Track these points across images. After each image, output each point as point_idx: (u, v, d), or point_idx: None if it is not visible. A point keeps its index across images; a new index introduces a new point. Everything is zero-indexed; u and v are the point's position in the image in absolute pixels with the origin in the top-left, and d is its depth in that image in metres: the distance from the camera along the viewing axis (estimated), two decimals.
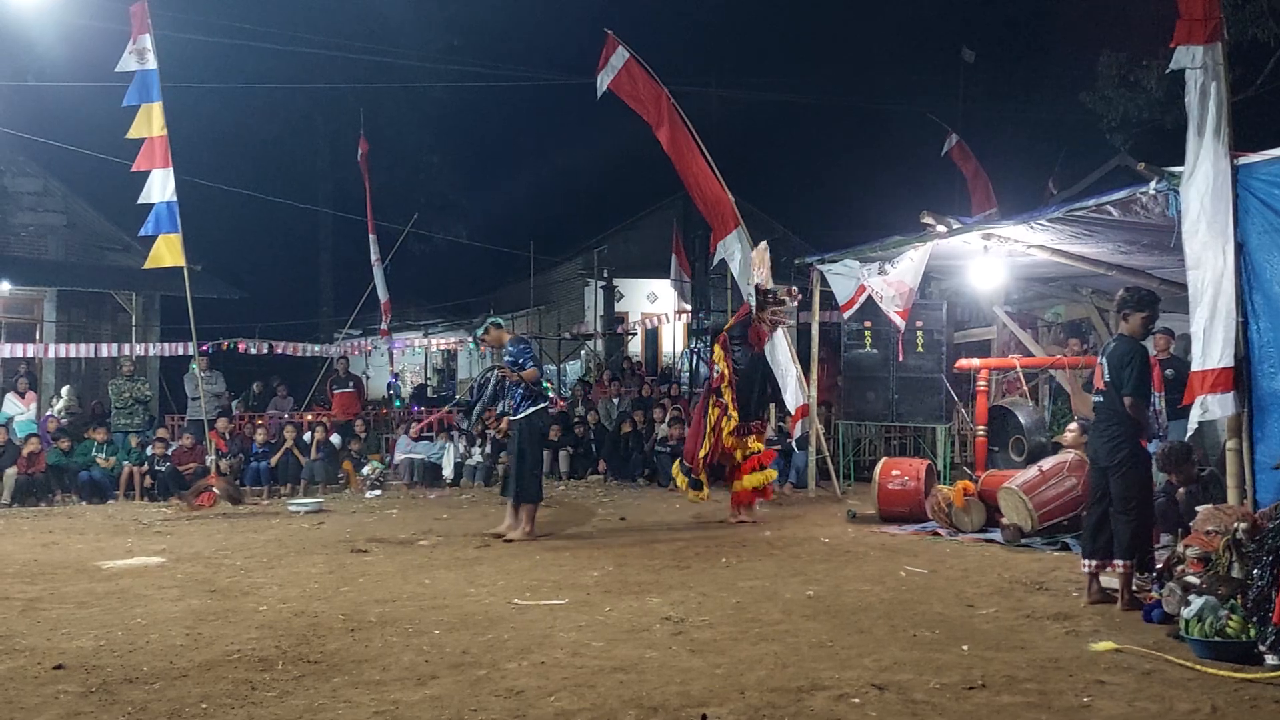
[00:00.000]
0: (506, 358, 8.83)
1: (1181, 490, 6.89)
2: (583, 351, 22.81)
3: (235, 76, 22.21)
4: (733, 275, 12.06)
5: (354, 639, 5.31)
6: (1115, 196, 7.27)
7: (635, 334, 23.67)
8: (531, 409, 8.68)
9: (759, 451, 9.64)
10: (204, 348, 14.74)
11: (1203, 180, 6.15)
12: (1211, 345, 6.16)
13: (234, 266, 24.25)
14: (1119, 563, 5.77)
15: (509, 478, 8.87)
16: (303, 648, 5.13)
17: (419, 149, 27.94)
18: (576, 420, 14.81)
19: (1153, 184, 6.76)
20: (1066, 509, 7.98)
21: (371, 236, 17.95)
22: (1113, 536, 5.82)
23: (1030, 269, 10.49)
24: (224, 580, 7.01)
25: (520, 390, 8.65)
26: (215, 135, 23.61)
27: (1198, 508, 6.00)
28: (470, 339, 9.38)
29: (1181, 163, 6.31)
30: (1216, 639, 4.71)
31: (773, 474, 10.01)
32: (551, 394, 18.20)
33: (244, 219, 24.93)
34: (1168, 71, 6.46)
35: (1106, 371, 5.89)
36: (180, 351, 15.96)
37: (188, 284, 11.18)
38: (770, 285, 9.96)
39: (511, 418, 8.72)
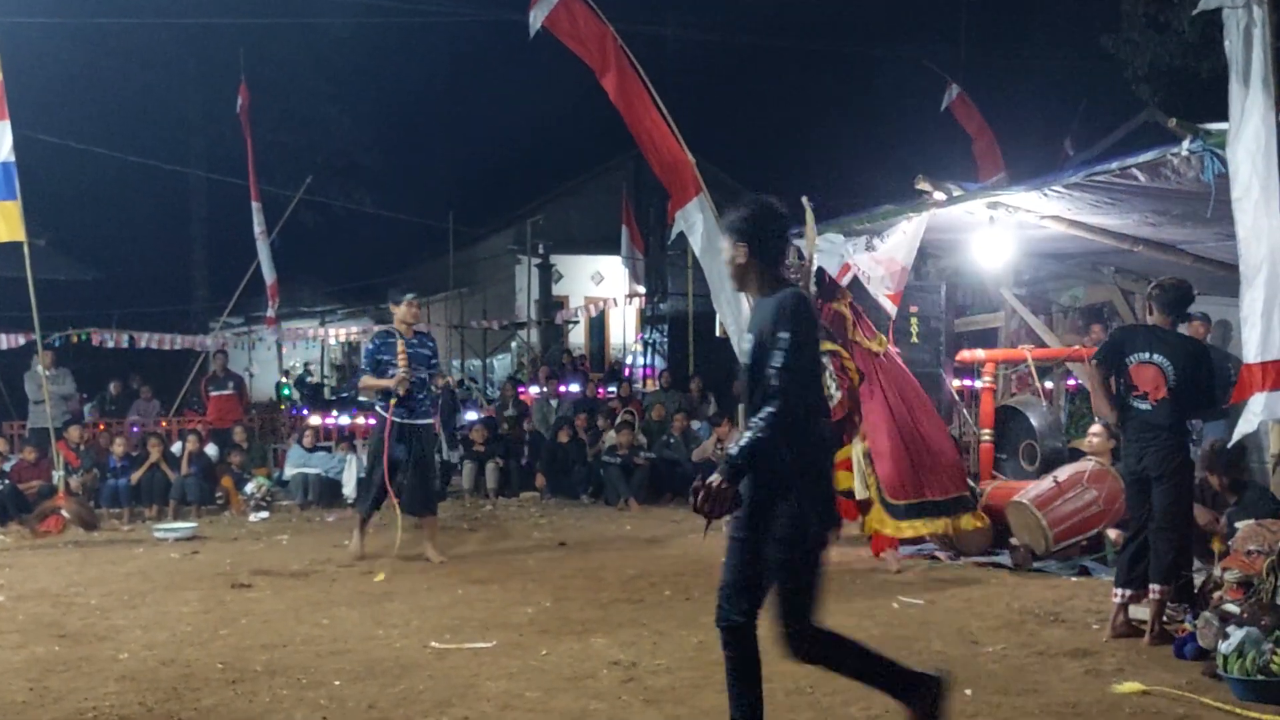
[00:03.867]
0: (425, 351, 9.23)
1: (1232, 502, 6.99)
2: (513, 343, 22.75)
3: (87, 8, 21.78)
4: (694, 252, 12.06)
5: (235, 692, 5.26)
6: (1142, 158, 7.36)
7: (577, 322, 23.64)
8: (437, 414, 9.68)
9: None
10: (49, 340, 14.46)
11: (1252, 138, 6.17)
12: (1272, 332, 6.14)
13: (86, 241, 23.83)
14: (1155, 587, 5.88)
15: (412, 490, 9.27)
16: (172, 703, 5.09)
17: (313, 98, 27.60)
18: (506, 426, 14.77)
19: (1185, 143, 6.85)
20: (1085, 526, 8.12)
21: (255, 204, 17.69)
22: (1150, 562, 5.93)
23: (1044, 244, 10.62)
24: (76, 622, 6.92)
25: (424, 393, 9.24)
26: (62, 80, 23.11)
27: (1237, 524, 6.14)
28: (394, 306, 9.40)
29: (1218, 117, 6.41)
30: (1260, 677, 4.82)
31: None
32: (476, 395, 18.27)
33: (98, 183, 24.50)
34: (1195, 12, 6.53)
35: (1172, 377, 5.99)
36: (19, 344, 15.66)
37: (28, 262, 10.98)
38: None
39: (420, 422, 9.19)
